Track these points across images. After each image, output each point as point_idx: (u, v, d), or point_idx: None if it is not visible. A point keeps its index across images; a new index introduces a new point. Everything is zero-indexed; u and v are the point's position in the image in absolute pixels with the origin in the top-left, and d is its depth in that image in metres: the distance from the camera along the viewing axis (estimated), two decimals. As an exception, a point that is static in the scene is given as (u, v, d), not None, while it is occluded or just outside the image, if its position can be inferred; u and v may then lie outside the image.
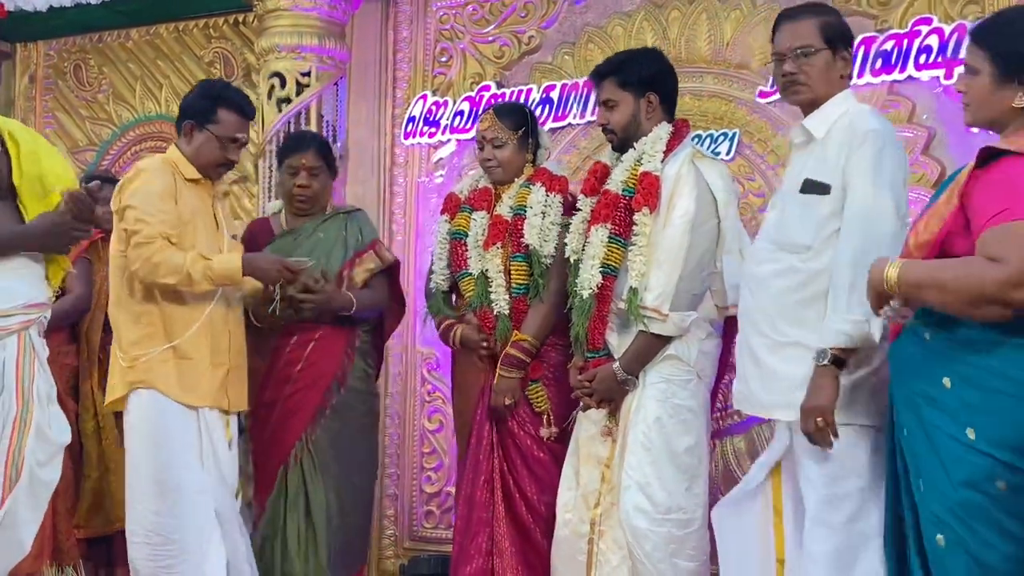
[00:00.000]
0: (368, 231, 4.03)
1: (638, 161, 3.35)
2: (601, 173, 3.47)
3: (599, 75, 3.48)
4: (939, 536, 2.38)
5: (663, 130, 3.38)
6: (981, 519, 2.33)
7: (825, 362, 2.71)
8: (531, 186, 3.68)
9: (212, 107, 3.58)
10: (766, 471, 3.02)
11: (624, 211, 3.32)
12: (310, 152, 3.93)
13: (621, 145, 3.45)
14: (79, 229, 3.05)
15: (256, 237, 3.95)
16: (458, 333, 3.69)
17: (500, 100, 4.64)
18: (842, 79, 2.93)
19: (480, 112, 3.97)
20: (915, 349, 2.50)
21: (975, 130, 2.76)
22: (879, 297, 2.49)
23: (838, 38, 2.91)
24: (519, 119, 3.77)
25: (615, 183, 3.37)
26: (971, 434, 2.35)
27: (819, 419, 2.69)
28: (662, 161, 3.32)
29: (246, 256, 3.51)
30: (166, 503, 3.40)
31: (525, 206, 3.65)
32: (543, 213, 3.59)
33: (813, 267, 2.79)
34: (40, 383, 3.05)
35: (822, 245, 2.78)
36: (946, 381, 2.40)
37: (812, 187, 2.81)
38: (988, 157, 2.42)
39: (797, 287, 2.82)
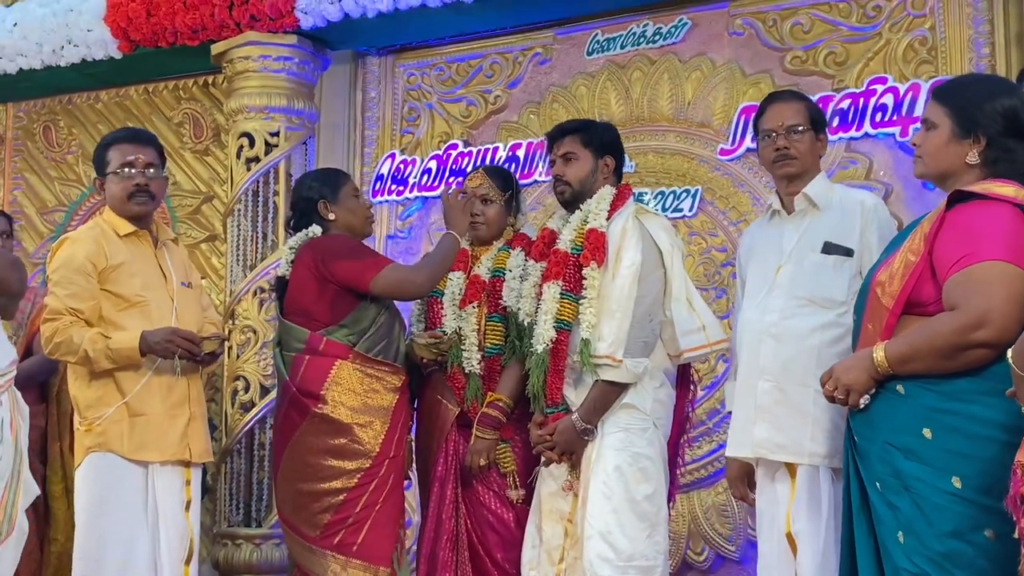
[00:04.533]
0: None
1: (584, 220, 3.45)
2: (549, 238, 3.55)
3: (562, 131, 3.58)
4: None
5: (607, 192, 3.48)
6: (967, 569, 2.35)
7: None
8: (510, 250, 3.73)
9: (101, 155, 3.65)
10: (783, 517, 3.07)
11: (574, 268, 3.41)
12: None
13: (572, 199, 3.52)
14: None
15: None
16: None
17: (486, 163, 4.66)
18: (819, 158, 3.22)
19: (469, 171, 3.98)
20: (887, 403, 2.54)
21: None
22: (869, 383, 2.56)
23: (819, 121, 3.21)
24: (507, 181, 3.82)
25: (564, 242, 3.46)
26: (957, 483, 2.38)
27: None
28: (607, 219, 3.43)
29: (144, 332, 3.47)
30: (101, 570, 3.42)
31: (504, 268, 3.69)
32: (522, 277, 3.63)
33: (849, 322, 2.92)
34: (23, 436, 3.07)
35: (851, 302, 2.92)
36: (926, 432, 2.44)
37: (835, 249, 3.05)
38: (957, 200, 2.51)
39: (835, 340, 2.98)
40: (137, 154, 3.61)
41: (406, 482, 3.74)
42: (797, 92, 3.39)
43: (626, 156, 3.67)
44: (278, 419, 3.68)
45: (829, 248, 3.05)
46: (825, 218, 3.10)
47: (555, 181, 3.57)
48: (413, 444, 3.78)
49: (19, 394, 3.00)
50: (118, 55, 5.24)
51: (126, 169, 3.59)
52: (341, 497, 3.48)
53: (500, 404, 3.57)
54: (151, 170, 3.63)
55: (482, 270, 3.73)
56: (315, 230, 3.67)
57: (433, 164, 5.10)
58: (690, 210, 4.53)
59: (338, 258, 3.54)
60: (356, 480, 3.49)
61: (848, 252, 3.03)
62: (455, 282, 3.74)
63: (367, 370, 3.54)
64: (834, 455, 2.94)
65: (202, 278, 4.76)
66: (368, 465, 3.50)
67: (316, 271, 3.54)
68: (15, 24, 5.42)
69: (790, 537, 3.01)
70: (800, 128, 3.13)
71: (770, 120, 3.19)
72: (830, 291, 3.01)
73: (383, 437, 3.53)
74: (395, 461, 3.57)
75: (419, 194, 5.11)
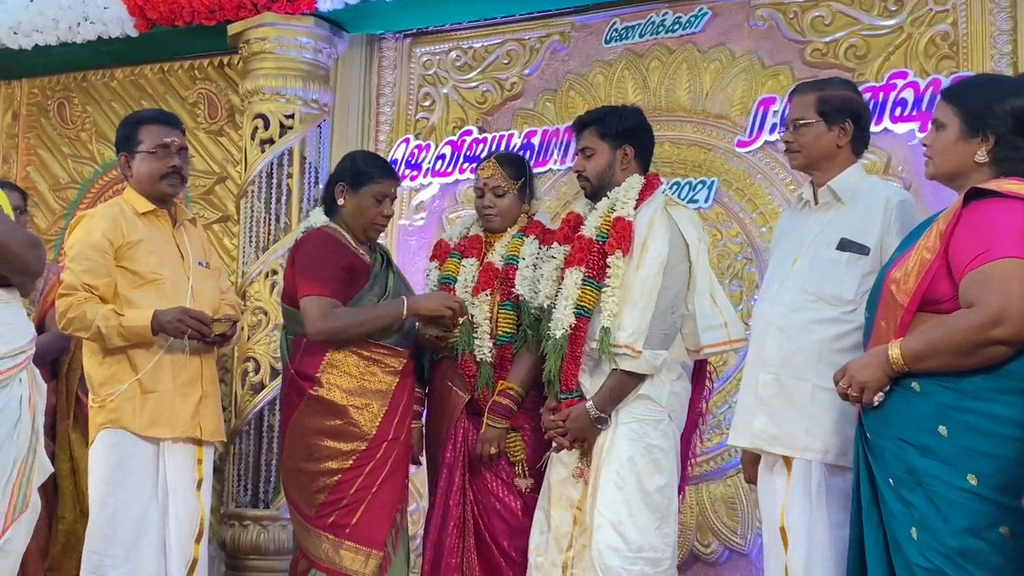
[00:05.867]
0: None
1: (611, 208, 3.44)
2: (575, 222, 3.54)
3: (581, 124, 3.58)
4: None
5: (636, 180, 3.47)
6: (982, 566, 2.36)
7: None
8: (524, 237, 3.72)
9: (133, 131, 3.68)
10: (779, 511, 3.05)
11: (598, 255, 3.39)
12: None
13: (594, 193, 3.53)
14: None
15: None
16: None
17: (498, 150, 4.64)
18: (840, 148, 3.11)
19: (480, 161, 3.95)
20: (902, 400, 2.54)
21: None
22: (884, 380, 2.55)
23: (835, 111, 3.10)
24: (520, 169, 3.80)
25: (589, 229, 3.45)
26: (973, 480, 2.39)
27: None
28: (635, 208, 3.41)
29: (156, 311, 3.48)
30: (111, 545, 3.45)
31: (517, 256, 3.67)
32: (535, 265, 3.62)
33: (855, 320, 2.91)
34: (40, 414, 3.07)
35: (860, 300, 2.91)
36: (942, 430, 2.45)
37: (851, 246, 3.01)
38: (973, 197, 2.51)
39: (839, 337, 2.95)
40: (173, 137, 3.67)
41: (414, 467, 3.74)
42: (817, 82, 3.28)
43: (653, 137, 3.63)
44: (281, 401, 3.74)
45: (845, 245, 3.02)
46: (847, 213, 3.07)
47: (577, 176, 3.58)
48: (424, 429, 3.78)
49: (38, 372, 3.01)
50: (134, 33, 5.23)
51: (162, 150, 3.63)
52: (336, 478, 3.49)
53: (512, 393, 3.56)
54: (183, 154, 3.69)
55: (495, 257, 3.72)
56: (317, 219, 3.68)
57: (447, 150, 5.08)
58: (705, 201, 4.52)
59: (301, 263, 3.58)
60: (351, 462, 3.49)
61: (864, 250, 2.99)
62: (468, 269, 3.74)
63: (363, 352, 3.54)
64: (828, 451, 2.93)
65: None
66: (364, 447, 3.50)
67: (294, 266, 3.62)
68: (31, 0, 5.41)
69: (783, 531, 3.01)
70: (802, 121, 3.10)
71: (787, 113, 3.20)
72: (839, 288, 2.98)
73: (380, 419, 3.53)
74: (394, 444, 3.56)
75: (433, 179, 5.10)
